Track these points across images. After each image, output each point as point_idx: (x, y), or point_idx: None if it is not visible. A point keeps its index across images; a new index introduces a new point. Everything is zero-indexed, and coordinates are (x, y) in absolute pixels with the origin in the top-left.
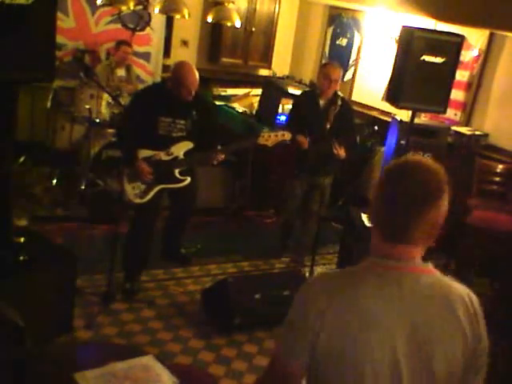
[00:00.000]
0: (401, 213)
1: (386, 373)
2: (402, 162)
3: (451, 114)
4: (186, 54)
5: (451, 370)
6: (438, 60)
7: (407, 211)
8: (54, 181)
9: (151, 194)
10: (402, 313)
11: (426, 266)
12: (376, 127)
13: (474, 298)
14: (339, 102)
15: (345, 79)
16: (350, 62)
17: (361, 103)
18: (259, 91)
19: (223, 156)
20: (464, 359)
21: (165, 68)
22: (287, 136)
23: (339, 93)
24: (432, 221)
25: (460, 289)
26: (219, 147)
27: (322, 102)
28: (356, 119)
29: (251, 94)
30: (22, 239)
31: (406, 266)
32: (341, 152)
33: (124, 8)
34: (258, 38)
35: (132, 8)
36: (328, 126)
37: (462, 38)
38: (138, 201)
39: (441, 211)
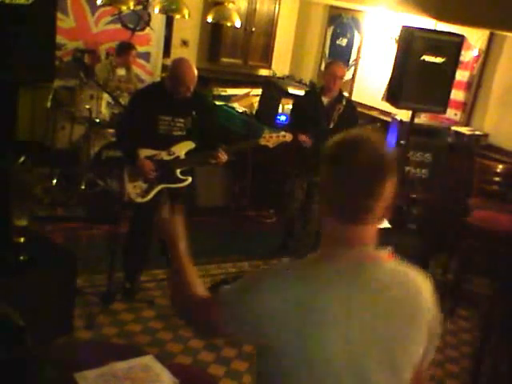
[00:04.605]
0: (362, 191)
1: (346, 370)
2: (349, 136)
3: (451, 113)
4: (186, 54)
5: (413, 360)
6: (438, 60)
7: (369, 188)
8: (54, 181)
9: (152, 193)
10: (359, 307)
11: (384, 252)
12: (379, 124)
13: (430, 282)
14: (344, 102)
15: (345, 79)
16: (350, 62)
17: (361, 103)
18: (259, 91)
19: (226, 157)
20: (425, 346)
21: (164, 68)
22: (288, 137)
23: (345, 93)
24: (389, 196)
25: (419, 274)
26: (222, 147)
27: (325, 101)
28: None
29: (251, 93)
30: (22, 239)
31: (363, 254)
32: None
33: (124, 8)
34: (258, 38)
35: (132, 8)
36: (331, 126)
37: (462, 38)
38: (139, 200)
39: (395, 184)
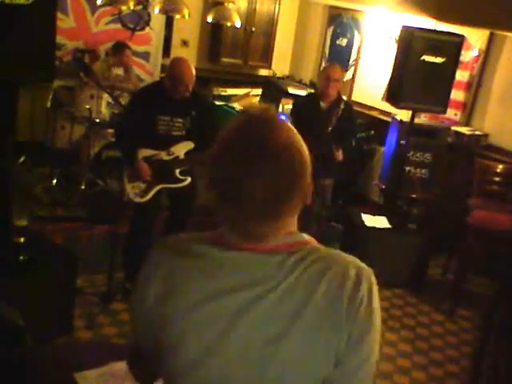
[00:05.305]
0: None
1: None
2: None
3: (451, 113)
4: (186, 54)
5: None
6: (438, 60)
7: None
8: (54, 181)
9: (151, 193)
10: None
11: (303, 237)
12: (372, 131)
13: (362, 274)
14: (342, 106)
15: (345, 79)
16: (350, 62)
17: (361, 103)
18: (259, 91)
19: None
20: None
21: (164, 68)
22: None
23: (343, 97)
24: (300, 199)
25: (335, 264)
26: None
27: (323, 105)
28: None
29: (251, 94)
30: (22, 239)
31: (256, 246)
32: (338, 155)
33: (124, 8)
34: (258, 38)
35: (132, 8)
36: (329, 129)
37: (462, 38)
38: (138, 200)
39: (303, 182)
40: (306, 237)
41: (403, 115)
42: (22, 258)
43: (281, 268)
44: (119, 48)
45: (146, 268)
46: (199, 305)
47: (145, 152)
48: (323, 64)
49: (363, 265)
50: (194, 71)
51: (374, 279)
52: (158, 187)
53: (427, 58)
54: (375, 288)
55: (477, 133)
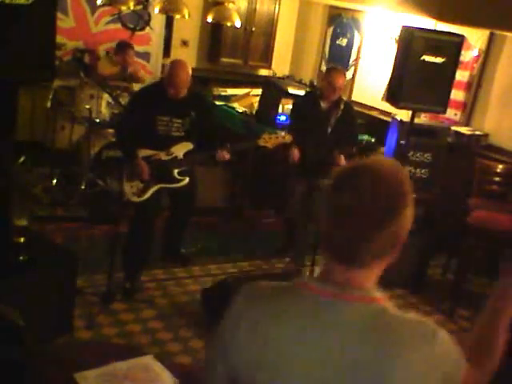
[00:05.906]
0: (348, 231)
1: None
2: (352, 164)
3: (451, 113)
4: (186, 54)
5: None
6: (438, 60)
7: (357, 229)
8: (54, 181)
9: (149, 192)
10: (320, 354)
11: (374, 294)
12: (373, 139)
13: (440, 338)
14: (342, 107)
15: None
16: (350, 62)
17: (361, 103)
18: (259, 91)
19: (228, 155)
20: None
21: (164, 68)
22: (288, 138)
23: (343, 97)
24: (391, 237)
25: (408, 325)
26: (228, 146)
27: (323, 105)
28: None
29: (251, 93)
30: (22, 239)
31: (349, 293)
32: (340, 161)
33: (124, 8)
34: (258, 38)
35: (132, 8)
36: (329, 130)
37: (462, 38)
38: (135, 199)
39: (403, 223)
40: (377, 294)
41: (403, 115)
42: (21, 258)
43: (358, 326)
44: (122, 47)
45: (232, 313)
46: (292, 352)
47: (144, 152)
48: (323, 64)
49: (433, 327)
50: (189, 74)
51: (447, 338)
52: (155, 187)
53: (427, 58)
54: (449, 346)
55: (477, 133)
